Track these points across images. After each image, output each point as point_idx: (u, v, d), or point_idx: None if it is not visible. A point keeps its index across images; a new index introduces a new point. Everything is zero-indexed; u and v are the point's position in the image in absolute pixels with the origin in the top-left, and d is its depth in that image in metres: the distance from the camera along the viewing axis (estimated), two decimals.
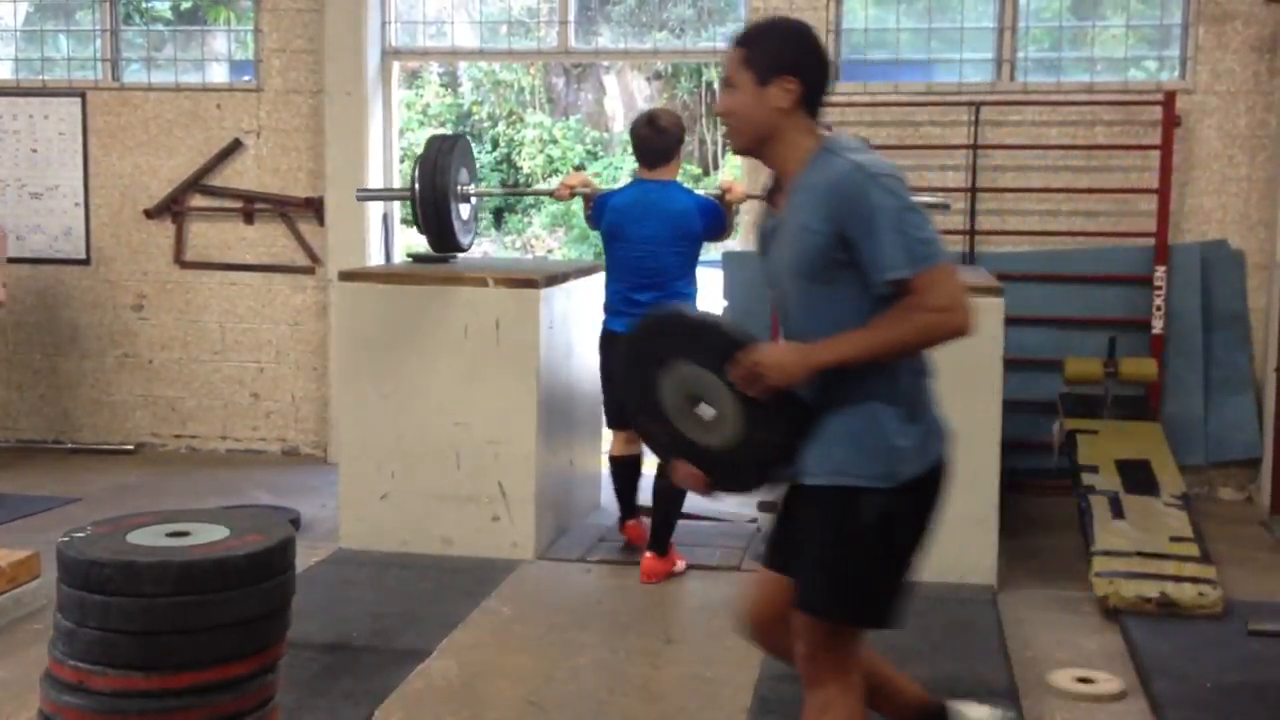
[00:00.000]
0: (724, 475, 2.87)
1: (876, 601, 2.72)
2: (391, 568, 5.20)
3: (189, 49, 7.78)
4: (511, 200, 14.48)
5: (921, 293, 2.56)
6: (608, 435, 5.69)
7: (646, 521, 5.35)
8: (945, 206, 5.83)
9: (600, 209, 5.29)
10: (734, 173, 14.94)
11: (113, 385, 7.55)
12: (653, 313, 2.91)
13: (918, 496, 2.69)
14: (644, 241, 5.09)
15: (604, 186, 5.99)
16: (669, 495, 5.09)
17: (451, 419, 5.36)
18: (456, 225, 5.65)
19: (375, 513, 5.44)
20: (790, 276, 2.70)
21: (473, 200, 5.88)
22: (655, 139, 5.14)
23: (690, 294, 5.12)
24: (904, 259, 2.55)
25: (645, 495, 5.36)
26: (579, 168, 13.84)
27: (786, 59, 2.70)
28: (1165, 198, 6.37)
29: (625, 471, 5.46)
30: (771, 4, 6.68)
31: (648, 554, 5.14)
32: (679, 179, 5.28)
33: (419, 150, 5.77)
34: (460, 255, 5.99)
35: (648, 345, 2.89)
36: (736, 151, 2.95)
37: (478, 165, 13.74)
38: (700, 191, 5.39)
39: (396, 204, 7.40)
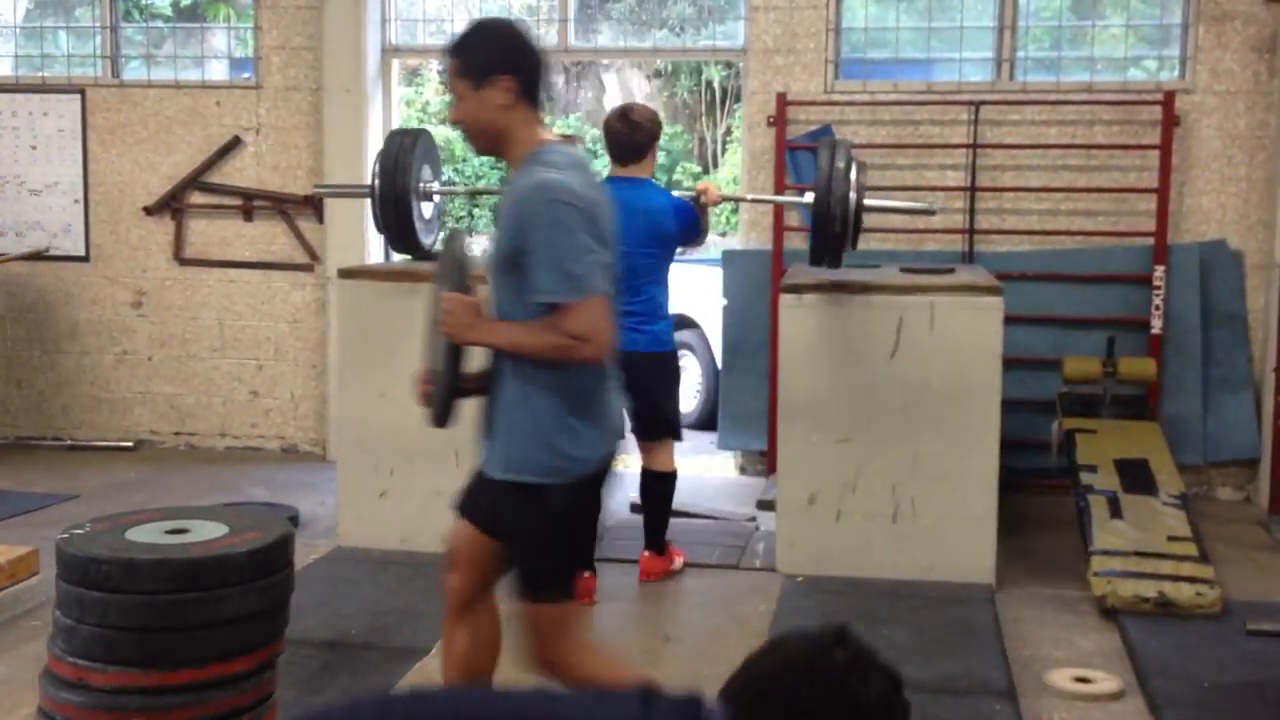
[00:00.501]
0: (433, 397, 3.03)
1: (562, 575, 2.91)
2: (390, 565, 5.19)
3: (189, 46, 7.78)
4: None
5: (563, 318, 2.75)
6: None
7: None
8: (931, 211, 5.59)
9: None
10: (734, 172, 14.93)
11: (112, 382, 7.55)
12: (452, 230, 3.11)
13: (591, 486, 2.87)
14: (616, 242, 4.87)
15: None
16: (656, 492, 5.06)
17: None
18: (418, 225, 5.45)
19: (374, 510, 5.44)
20: (492, 264, 2.91)
21: (435, 199, 5.71)
22: (628, 134, 4.92)
23: (662, 297, 4.90)
24: (553, 285, 2.73)
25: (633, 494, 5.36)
26: None
27: (498, 59, 2.82)
28: (1164, 197, 6.37)
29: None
30: (772, 2, 6.68)
31: (645, 552, 5.12)
32: (654, 177, 5.11)
33: None
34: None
35: (438, 260, 3.12)
36: (479, 153, 3.11)
37: (477, 163, 13.76)
38: (675, 193, 5.17)
39: None
